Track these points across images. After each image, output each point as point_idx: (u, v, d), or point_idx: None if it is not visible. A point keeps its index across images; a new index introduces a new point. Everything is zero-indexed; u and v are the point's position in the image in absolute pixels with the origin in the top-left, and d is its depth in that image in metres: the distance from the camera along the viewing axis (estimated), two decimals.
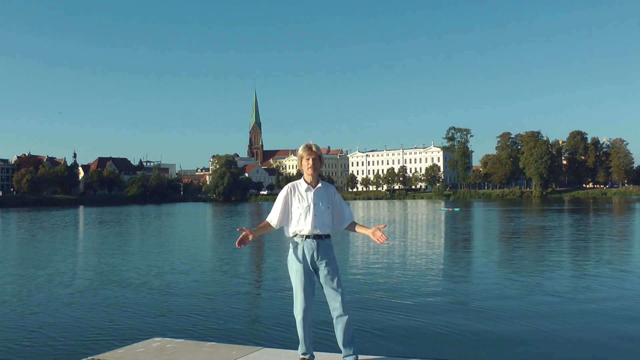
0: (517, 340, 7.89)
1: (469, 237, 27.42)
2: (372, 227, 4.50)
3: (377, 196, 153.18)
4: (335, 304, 4.36)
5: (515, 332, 8.25)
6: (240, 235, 4.30)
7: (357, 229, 4.56)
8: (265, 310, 10.10)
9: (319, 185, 4.47)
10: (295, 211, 4.43)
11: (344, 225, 4.56)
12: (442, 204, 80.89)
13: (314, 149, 4.43)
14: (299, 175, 4.70)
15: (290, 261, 4.46)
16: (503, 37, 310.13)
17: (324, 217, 4.42)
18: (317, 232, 4.39)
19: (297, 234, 4.44)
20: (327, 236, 4.46)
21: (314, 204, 4.40)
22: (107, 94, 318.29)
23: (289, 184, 4.54)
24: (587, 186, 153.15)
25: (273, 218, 4.47)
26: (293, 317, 4.48)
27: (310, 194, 4.42)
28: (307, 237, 4.39)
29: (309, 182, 4.46)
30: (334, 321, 4.39)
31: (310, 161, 4.40)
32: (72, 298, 11.59)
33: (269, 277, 14.62)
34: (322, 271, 4.38)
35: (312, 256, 4.38)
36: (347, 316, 4.36)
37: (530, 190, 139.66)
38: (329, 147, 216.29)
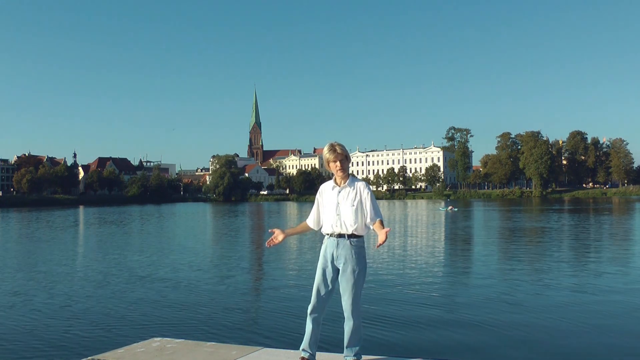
0: (519, 339, 7.88)
1: (469, 237, 27.41)
2: (385, 228, 4.27)
3: (377, 196, 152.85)
4: (345, 305, 4.37)
5: (517, 332, 8.24)
6: (272, 236, 4.47)
7: (376, 227, 4.36)
8: (265, 311, 10.08)
9: (346, 184, 4.43)
10: (323, 210, 4.51)
11: (370, 224, 4.39)
12: (442, 203, 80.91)
13: (338, 150, 4.38)
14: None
15: (319, 258, 4.54)
16: (503, 37, 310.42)
17: (347, 216, 4.36)
18: (339, 230, 4.38)
19: (325, 233, 4.50)
20: (352, 235, 4.36)
21: (337, 203, 4.41)
22: (107, 94, 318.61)
23: (323, 185, 4.61)
24: (587, 186, 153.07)
25: (310, 219, 4.62)
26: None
27: (335, 193, 4.44)
28: (331, 235, 4.43)
29: (337, 181, 4.48)
30: (345, 322, 4.43)
31: (338, 163, 4.37)
32: (71, 298, 11.59)
33: (269, 277, 14.61)
34: (341, 270, 4.39)
35: (332, 255, 4.39)
36: (353, 321, 4.36)
37: (530, 190, 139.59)
38: None
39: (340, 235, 4.38)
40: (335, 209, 4.40)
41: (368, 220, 4.39)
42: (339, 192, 4.43)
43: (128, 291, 12.28)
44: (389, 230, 4.27)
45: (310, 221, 4.62)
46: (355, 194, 4.40)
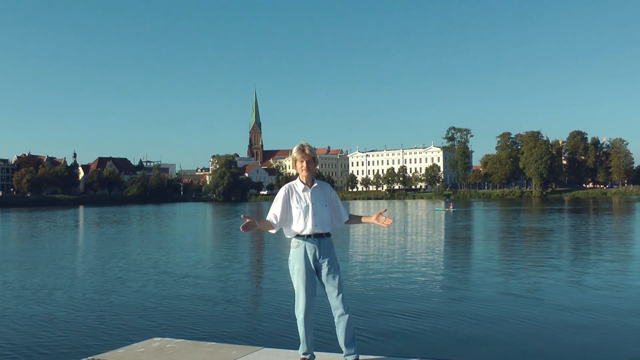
0: (518, 339, 7.89)
1: (468, 237, 27.41)
2: (372, 214, 4.57)
3: (377, 196, 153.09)
4: (336, 302, 4.37)
5: (517, 332, 8.25)
6: (246, 222, 4.26)
7: (357, 220, 4.68)
8: (265, 310, 10.09)
9: (315, 184, 4.50)
10: (295, 211, 4.44)
11: (341, 222, 4.61)
12: (442, 203, 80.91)
13: (307, 151, 4.43)
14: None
15: (291, 261, 4.46)
16: (503, 37, 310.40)
17: (323, 215, 4.45)
18: (318, 231, 4.41)
19: (298, 234, 4.44)
20: (328, 234, 4.49)
21: (312, 203, 4.42)
22: (107, 94, 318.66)
23: (286, 185, 4.55)
24: (587, 186, 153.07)
25: (273, 219, 4.43)
26: (293, 316, 4.49)
27: (308, 194, 4.45)
28: (309, 236, 4.40)
29: (304, 182, 4.49)
30: (336, 320, 4.41)
31: (305, 164, 4.42)
32: (72, 298, 11.59)
33: (268, 277, 14.61)
34: (324, 270, 4.39)
35: (314, 255, 4.39)
36: (348, 315, 4.38)
37: (530, 190, 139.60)
38: (329, 147, 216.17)
39: (319, 235, 4.42)
40: (312, 210, 4.41)
41: (346, 218, 4.60)
42: (311, 192, 4.46)
43: (127, 292, 12.28)
44: (385, 210, 4.57)
45: (274, 221, 4.43)
46: (325, 195, 4.53)
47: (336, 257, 4.51)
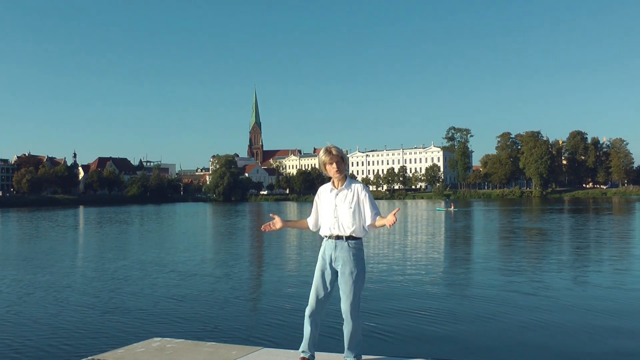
0: (520, 340, 7.89)
1: (470, 237, 27.41)
2: (388, 215, 4.22)
3: (377, 196, 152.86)
4: (343, 307, 4.37)
5: (522, 330, 8.25)
6: (271, 222, 4.56)
7: (378, 222, 4.33)
8: (265, 310, 10.08)
9: (343, 186, 4.45)
10: (321, 213, 4.54)
11: (367, 224, 4.38)
12: (442, 203, 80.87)
13: (334, 151, 4.39)
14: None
15: (318, 260, 4.57)
16: (503, 37, 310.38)
17: (344, 218, 4.37)
18: (336, 232, 4.40)
19: (323, 235, 4.52)
20: (350, 237, 4.37)
21: (336, 205, 4.42)
22: (107, 94, 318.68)
23: (321, 187, 4.63)
24: (587, 186, 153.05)
25: (310, 220, 4.65)
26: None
27: (332, 196, 4.45)
28: (328, 237, 4.44)
29: (335, 184, 4.48)
30: (344, 322, 4.44)
31: (335, 165, 4.39)
32: (72, 298, 11.59)
33: (269, 277, 14.62)
34: (339, 273, 4.39)
35: (330, 257, 4.40)
36: (351, 323, 4.35)
37: (530, 190, 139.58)
38: None
39: (338, 237, 4.38)
40: (333, 211, 4.40)
41: (370, 221, 4.36)
42: (337, 194, 4.43)
43: (127, 292, 12.27)
44: (398, 210, 4.23)
45: (310, 222, 4.66)
46: (353, 196, 4.40)
47: (356, 263, 4.34)
